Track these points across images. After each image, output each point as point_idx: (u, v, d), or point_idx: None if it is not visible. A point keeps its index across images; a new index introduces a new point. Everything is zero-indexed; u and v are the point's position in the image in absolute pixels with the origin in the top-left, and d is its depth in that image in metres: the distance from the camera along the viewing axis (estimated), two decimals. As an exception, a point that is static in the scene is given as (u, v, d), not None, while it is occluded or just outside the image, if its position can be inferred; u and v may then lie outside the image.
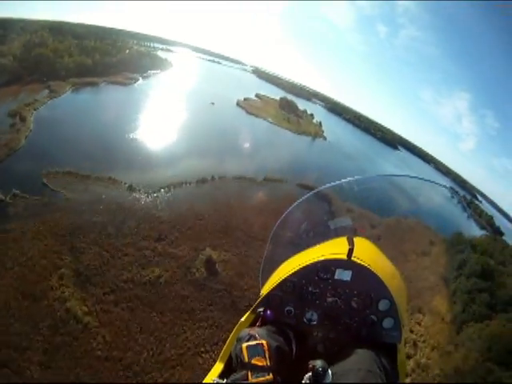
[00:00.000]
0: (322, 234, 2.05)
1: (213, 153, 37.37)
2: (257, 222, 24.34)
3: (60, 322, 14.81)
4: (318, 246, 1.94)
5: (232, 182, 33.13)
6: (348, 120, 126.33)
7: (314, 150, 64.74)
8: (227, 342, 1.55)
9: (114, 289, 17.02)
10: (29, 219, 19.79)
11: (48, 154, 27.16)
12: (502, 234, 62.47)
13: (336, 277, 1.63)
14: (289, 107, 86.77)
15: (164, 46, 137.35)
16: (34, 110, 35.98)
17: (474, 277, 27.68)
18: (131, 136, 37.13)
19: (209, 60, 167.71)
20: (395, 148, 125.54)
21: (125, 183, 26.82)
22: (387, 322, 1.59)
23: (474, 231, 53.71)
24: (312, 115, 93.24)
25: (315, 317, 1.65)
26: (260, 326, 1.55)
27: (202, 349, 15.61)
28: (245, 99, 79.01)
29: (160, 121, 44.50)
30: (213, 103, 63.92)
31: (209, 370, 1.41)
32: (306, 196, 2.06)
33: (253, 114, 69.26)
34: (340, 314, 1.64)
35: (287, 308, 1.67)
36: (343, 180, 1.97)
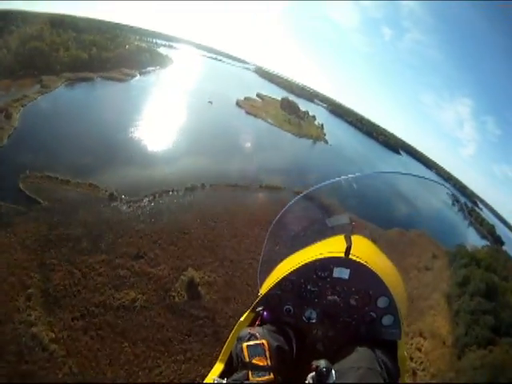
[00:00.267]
0: (320, 232, 1.99)
1: (205, 157, 35.62)
2: (248, 236, 22.67)
3: (26, 348, 13.67)
4: (315, 244, 1.95)
5: (224, 190, 31.27)
6: (350, 123, 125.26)
7: (316, 155, 62.10)
8: (227, 341, 1.51)
9: (83, 313, 15.60)
10: (0, 230, 18.56)
11: (30, 155, 25.72)
12: (502, 243, 62.24)
13: (334, 275, 1.64)
14: (290, 108, 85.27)
15: (167, 43, 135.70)
16: (22, 106, 34.62)
17: (478, 296, 26.86)
18: (118, 136, 35.53)
19: (211, 58, 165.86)
20: (397, 152, 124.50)
21: (106, 190, 25.27)
22: (387, 319, 1.59)
23: (475, 240, 53.38)
24: (314, 117, 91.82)
25: (314, 315, 1.65)
26: (259, 325, 1.57)
27: (178, 386, 14.16)
28: (245, 98, 77.55)
29: (151, 121, 42.72)
30: (210, 102, 62.06)
31: None
32: (302, 194, 2.00)
33: (252, 115, 67.56)
34: (339, 311, 1.64)
35: (286, 307, 1.67)
36: (342, 177, 1.83)
